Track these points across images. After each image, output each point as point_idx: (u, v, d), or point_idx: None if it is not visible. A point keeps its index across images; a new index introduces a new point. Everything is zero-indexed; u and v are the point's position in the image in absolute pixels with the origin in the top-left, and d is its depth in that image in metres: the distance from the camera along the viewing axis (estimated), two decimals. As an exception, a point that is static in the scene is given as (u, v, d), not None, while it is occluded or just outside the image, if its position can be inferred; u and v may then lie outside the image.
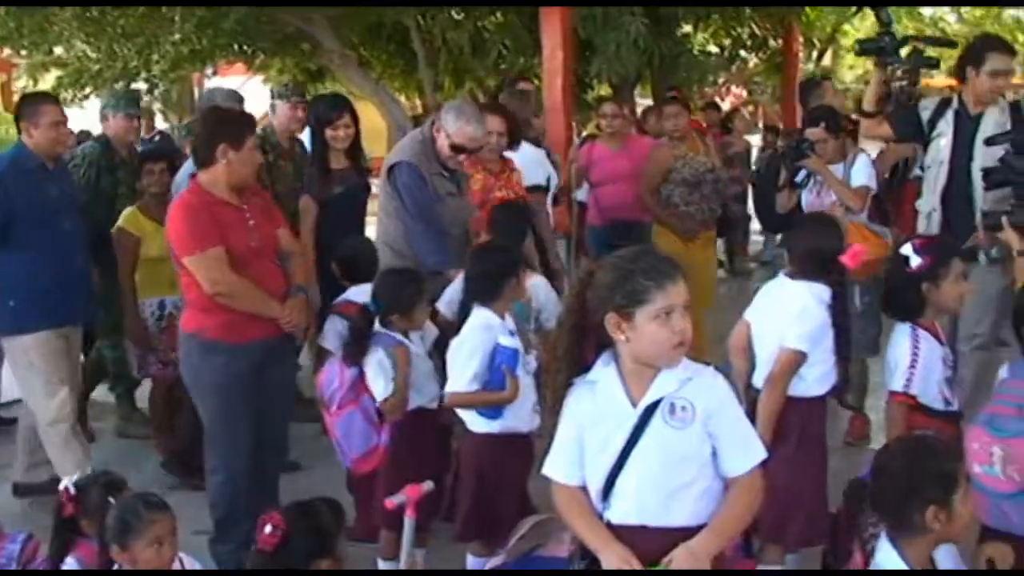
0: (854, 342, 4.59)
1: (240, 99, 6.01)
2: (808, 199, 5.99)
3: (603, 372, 2.80)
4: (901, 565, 2.76)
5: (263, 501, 4.36)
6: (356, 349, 4.32)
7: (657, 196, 7.09)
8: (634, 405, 2.73)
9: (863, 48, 5.93)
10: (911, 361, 3.80)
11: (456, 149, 5.23)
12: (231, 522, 4.51)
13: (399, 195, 5.24)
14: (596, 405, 2.80)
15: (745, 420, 2.85)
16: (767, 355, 3.97)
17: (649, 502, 2.73)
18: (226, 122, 4.60)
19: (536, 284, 4.94)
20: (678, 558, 2.67)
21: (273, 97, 6.51)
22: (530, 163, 6.37)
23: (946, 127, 5.45)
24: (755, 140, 13.75)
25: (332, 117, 5.75)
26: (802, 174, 5.93)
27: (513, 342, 4.10)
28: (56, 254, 5.18)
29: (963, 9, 24.33)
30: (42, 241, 5.13)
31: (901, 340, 3.85)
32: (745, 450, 2.78)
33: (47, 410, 5.25)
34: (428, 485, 3.77)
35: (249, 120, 4.77)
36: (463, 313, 4.21)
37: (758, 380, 4.02)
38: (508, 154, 6.11)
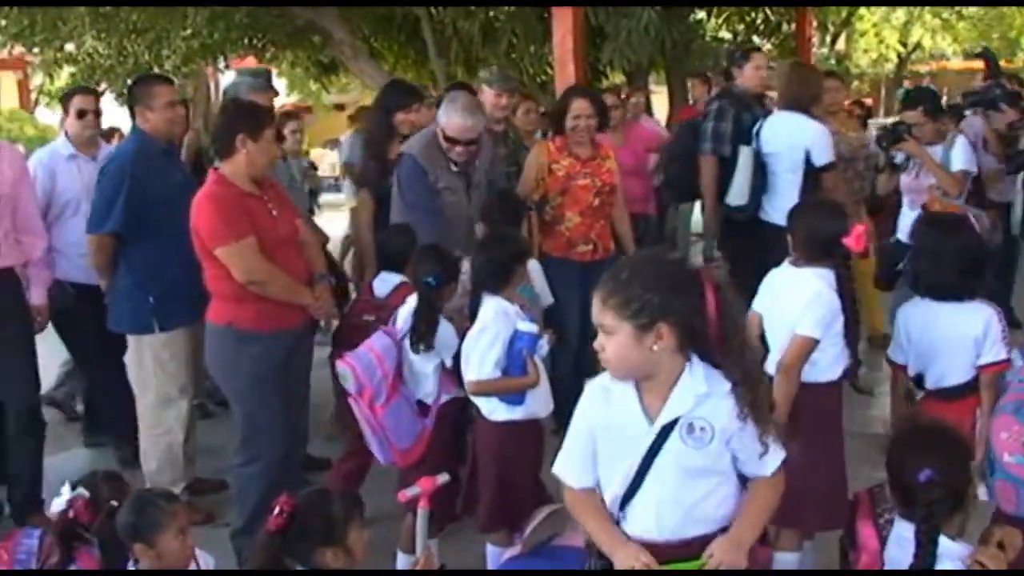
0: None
1: (267, 86, 5.91)
2: (906, 180, 5.98)
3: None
4: (955, 545, 2.81)
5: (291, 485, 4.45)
6: (426, 331, 4.33)
7: None
8: (650, 422, 2.64)
9: (972, 102, 5.84)
10: (1003, 326, 3.88)
11: (449, 141, 5.28)
12: (259, 513, 4.46)
13: (399, 184, 5.39)
14: (611, 414, 2.72)
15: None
16: (781, 343, 3.94)
17: (668, 519, 2.68)
18: (244, 113, 4.59)
19: (532, 268, 4.95)
20: (720, 548, 2.64)
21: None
22: (823, 140, 6.28)
23: None
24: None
25: (407, 102, 5.75)
26: (901, 156, 5.92)
27: (531, 327, 4.12)
28: (188, 243, 4.89)
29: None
30: (173, 231, 4.85)
31: (985, 312, 3.90)
32: (767, 455, 2.72)
33: (159, 420, 5.17)
34: (443, 477, 3.76)
35: (267, 112, 4.73)
36: (473, 303, 4.21)
37: (772, 369, 3.99)
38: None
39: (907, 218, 5.65)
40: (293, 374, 4.61)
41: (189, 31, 11.63)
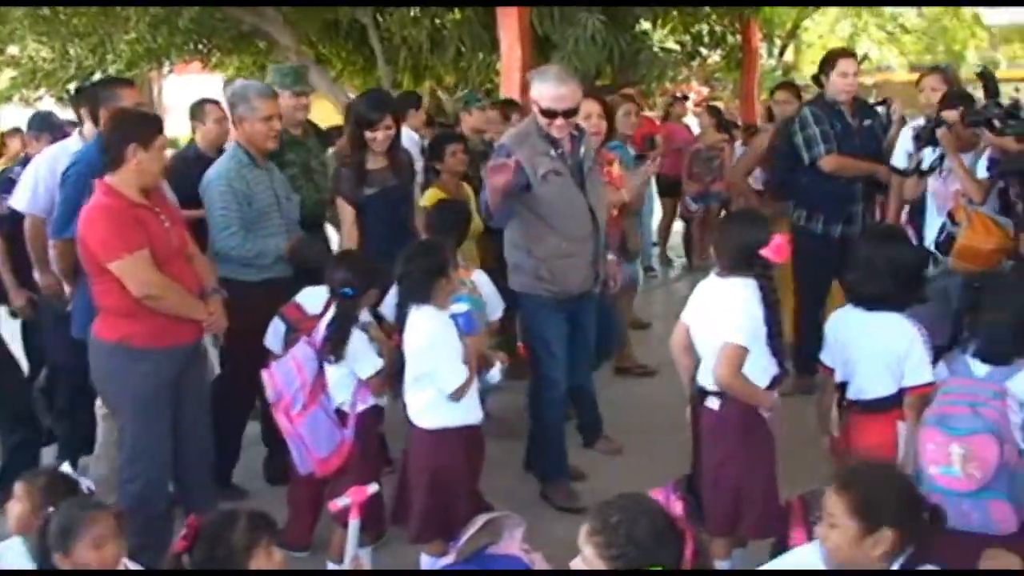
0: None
1: (276, 93, 5.60)
2: (934, 185, 5.86)
3: None
4: None
5: (201, 502, 4.43)
6: (339, 342, 4.28)
7: (745, 178, 7.77)
8: None
9: (972, 121, 5.77)
10: (927, 347, 3.84)
11: (547, 114, 5.00)
12: (152, 529, 4.41)
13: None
14: None
15: None
16: (710, 353, 3.95)
17: None
18: (134, 122, 4.45)
19: (479, 278, 4.92)
20: None
21: None
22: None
23: None
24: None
25: (373, 119, 5.43)
26: (929, 161, 5.82)
27: (460, 307, 4.16)
28: None
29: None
30: None
31: (907, 329, 3.88)
32: None
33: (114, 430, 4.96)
34: (373, 487, 3.74)
35: (157, 120, 4.56)
36: (400, 313, 4.18)
37: (702, 378, 4.02)
38: None
39: (934, 225, 5.62)
40: (187, 390, 4.51)
41: (133, 35, 11.53)
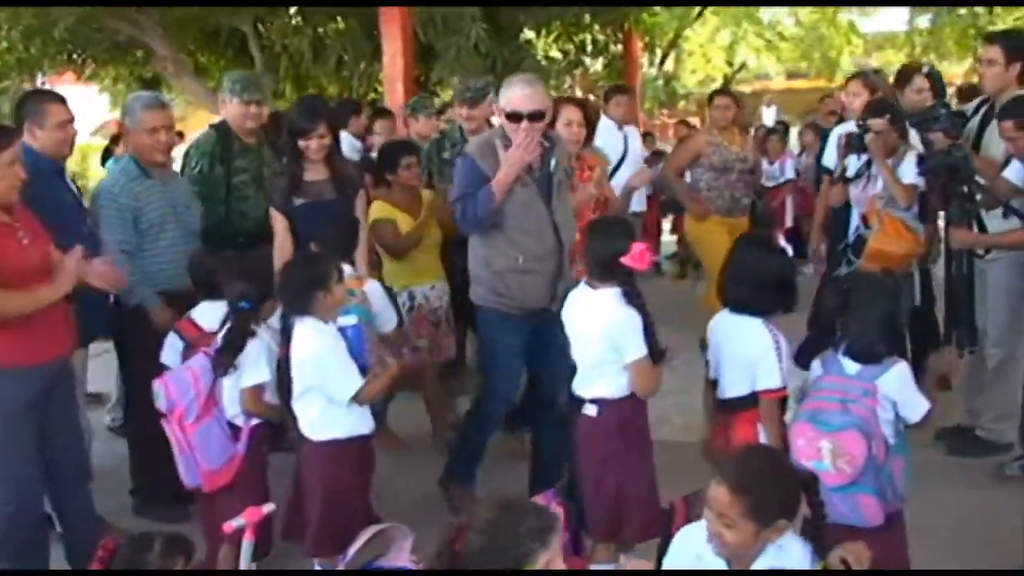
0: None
1: (164, 104, 5.46)
2: (855, 192, 5.98)
3: None
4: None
5: (78, 522, 4.38)
6: (231, 355, 4.23)
7: (679, 177, 7.90)
8: None
9: (916, 122, 5.80)
10: (779, 354, 3.91)
11: (513, 118, 4.81)
12: (26, 552, 4.32)
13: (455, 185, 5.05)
14: None
15: None
16: (588, 362, 4.03)
17: None
18: None
19: (372, 289, 4.88)
20: None
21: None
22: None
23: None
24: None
25: (306, 128, 5.23)
26: (854, 168, 5.93)
27: (348, 319, 4.21)
28: None
29: (800, 13, 25.16)
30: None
31: (761, 335, 3.94)
32: None
33: None
34: (269, 507, 3.69)
35: (4, 131, 4.32)
36: (284, 326, 4.14)
37: (578, 387, 4.10)
38: None
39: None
40: (55, 410, 4.37)
41: (4, 45, 11.22)
